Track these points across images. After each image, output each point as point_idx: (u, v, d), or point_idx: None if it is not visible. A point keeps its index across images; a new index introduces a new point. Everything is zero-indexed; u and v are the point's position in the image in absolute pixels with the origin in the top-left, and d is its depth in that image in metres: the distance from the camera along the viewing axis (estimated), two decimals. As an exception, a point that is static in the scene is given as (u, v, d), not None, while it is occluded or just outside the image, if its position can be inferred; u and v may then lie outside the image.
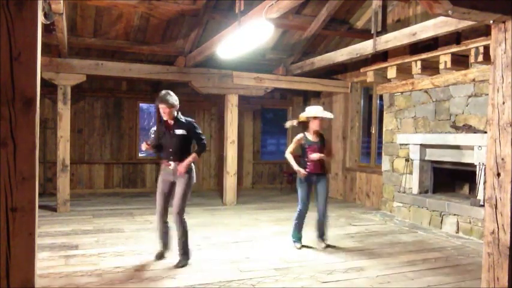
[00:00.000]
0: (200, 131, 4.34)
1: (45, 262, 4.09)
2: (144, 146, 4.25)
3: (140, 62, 7.69)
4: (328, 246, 4.97)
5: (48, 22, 4.21)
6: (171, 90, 4.18)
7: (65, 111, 6.75)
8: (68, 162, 6.83)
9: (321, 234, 5.02)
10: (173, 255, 4.28)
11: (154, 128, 4.37)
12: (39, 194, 2.02)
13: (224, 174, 8.02)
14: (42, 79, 5.45)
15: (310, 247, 4.96)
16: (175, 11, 6.36)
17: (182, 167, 4.10)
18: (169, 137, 4.20)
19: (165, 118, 4.19)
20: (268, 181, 10.65)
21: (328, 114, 5.04)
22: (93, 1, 5.90)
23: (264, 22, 4.37)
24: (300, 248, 4.93)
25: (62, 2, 4.03)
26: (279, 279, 3.84)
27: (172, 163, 4.16)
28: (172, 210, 4.16)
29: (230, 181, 7.91)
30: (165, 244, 4.34)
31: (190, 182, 4.20)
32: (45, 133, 8.60)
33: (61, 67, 6.70)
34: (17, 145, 1.72)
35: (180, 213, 4.14)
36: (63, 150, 6.78)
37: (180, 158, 4.16)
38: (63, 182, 6.82)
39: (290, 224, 5.65)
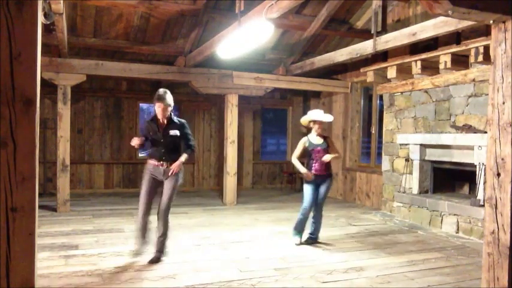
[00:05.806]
0: (190, 132, 4.33)
1: (45, 262, 4.09)
2: (137, 141, 4.08)
3: (140, 62, 7.68)
4: (312, 242, 5.10)
5: (48, 22, 4.21)
6: (171, 90, 4.16)
7: (65, 111, 6.75)
8: (68, 162, 6.84)
9: (313, 231, 5.15)
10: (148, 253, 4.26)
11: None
12: (39, 194, 2.02)
13: (224, 174, 8.02)
14: (42, 79, 5.45)
15: (309, 245, 5.05)
16: (175, 11, 6.36)
17: (176, 166, 4.13)
18: (161, 136, 4.16)
19: (159, 116, 4.14)
20: (268, 181, 10.64)
21: (327, 117, 5.10)
22: (93, 1, 5.90)
23: (264, 22, 4.37)
24: (298, 244, 5.02)
25: (62, 2, 4.03)
26: (279, 279, 3.84)
27: (164, 163, 4.15)
28: (160, 209, 4.19)
29: (230, 181, 7.90)
30: (145, 241, 4.32)
31: (178, 183, 4.24)
32: (45, 133, 8.59)
33: (61, 67, 6.70)
34: (17, 145, 1.72)
35: (167, 212, 4.20)
36: (63, 150, 6.78)
37: (171, 158, 4.16)
38: (63, 182, 6.82)
39: (290, 224, 5.67)
